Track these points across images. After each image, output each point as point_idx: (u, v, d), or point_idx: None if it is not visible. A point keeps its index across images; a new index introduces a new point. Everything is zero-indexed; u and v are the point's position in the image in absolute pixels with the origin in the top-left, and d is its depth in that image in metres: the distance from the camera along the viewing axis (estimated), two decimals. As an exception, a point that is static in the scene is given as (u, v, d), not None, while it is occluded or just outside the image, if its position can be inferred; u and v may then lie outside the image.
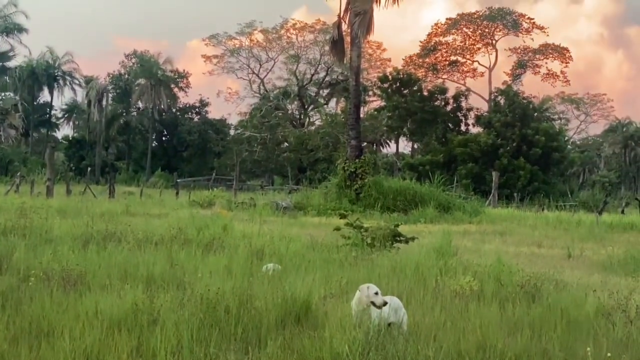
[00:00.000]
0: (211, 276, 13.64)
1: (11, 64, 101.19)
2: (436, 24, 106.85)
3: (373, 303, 10.52)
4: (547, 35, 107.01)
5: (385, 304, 10.50)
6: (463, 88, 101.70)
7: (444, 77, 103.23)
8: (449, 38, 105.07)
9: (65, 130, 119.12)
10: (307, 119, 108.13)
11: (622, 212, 62.42)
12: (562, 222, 40.41)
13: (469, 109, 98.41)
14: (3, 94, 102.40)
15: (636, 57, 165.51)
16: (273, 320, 10.67)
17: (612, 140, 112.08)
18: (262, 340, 9.51)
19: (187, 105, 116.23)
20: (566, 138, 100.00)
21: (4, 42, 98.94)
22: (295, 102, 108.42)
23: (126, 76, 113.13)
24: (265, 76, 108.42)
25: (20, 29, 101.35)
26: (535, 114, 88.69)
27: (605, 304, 12.80)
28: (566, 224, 39.51)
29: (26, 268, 13.82)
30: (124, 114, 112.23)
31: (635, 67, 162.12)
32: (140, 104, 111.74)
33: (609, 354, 7.53)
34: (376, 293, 10.67)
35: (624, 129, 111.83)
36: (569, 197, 76.49)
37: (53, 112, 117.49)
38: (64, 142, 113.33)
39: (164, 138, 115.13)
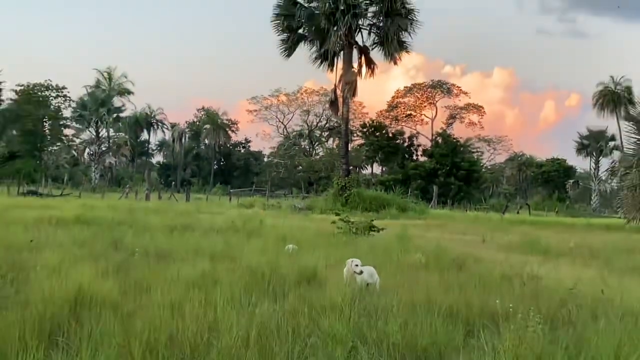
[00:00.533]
0: (252, 253, 13.62)
1: (123, 114, 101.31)
2: (397, 90, 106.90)
3: (355, 272, 10.58)
4: (469, 97, 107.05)
5: (360, 272, 10.53)
6: (415, 132, 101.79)
7: (402, 124, 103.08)
8: (406, 99, 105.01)
9: (157, 158, 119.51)
10: (314, 151, 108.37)
11: (518, 212, 62.42)
12: (479, 219, 40.38)
13: (419, 145, 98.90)
14: (117, 134, 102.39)
15: (525, 111, 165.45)
16: (292, 281, 10.64)
17: (511, 165, 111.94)
18: (285, 294, 9.48)
19: (237, 142, 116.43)
20: (481, 164, 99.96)
21: (119, 101, 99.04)
22: (307, 140, 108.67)
23: (197, 123, 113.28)
24: (287, 123, 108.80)
25: (129, 92, 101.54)
26: (462, 148, 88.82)
27: (507, 272, 12.76)
28: (481, 220, 39.48)
29: (132, 247, 13.79)
30: (196, 148, 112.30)
31: (525, 118, 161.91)
32: (206, 141, 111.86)
33: (511, 305, 7.50)
34: (357, 265, 10.69)
35: (519, 158, 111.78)
36: (483, 202, 76.38)
37: (150, 146, 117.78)
38: (157, 165, 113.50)
39: (221, 163, 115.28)
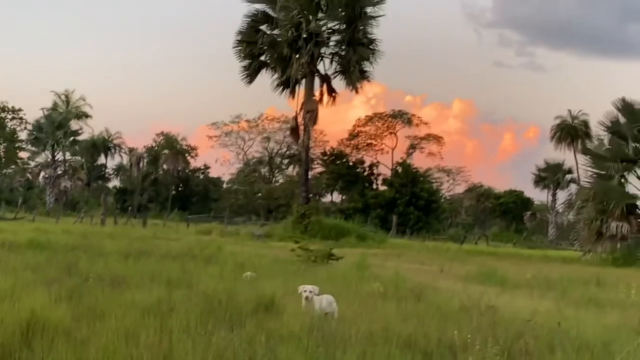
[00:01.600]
0: (209, 280, 13.52)
1: (80, 138, 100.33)
2: (358, 119, 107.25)
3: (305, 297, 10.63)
4: (430, 128, 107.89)
5: (306, 298, 10.56)
6: (375, 161, 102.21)
7: (363, 153, 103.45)
8: (367, 128, 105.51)
9: (114, 182, 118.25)
10: (274, 179, 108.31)
11: (476, 243, 62.91)
12: (437, 249, 40.60)
13: (379, 174, 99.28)
14: (74, 157, 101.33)
15: (485, 143, 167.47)
16: (250, 309, 10.57)
17: (470, 196, 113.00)
18: (242, 322, 9.40)
19: (196, 168, 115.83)
20: (440, 194, 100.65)
21: (76, 124, 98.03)
22: (267, 167, 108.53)
23: (156, 148, 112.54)
24: (248, 150, 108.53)
25: (87, 115, 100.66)
26: (421, 178, 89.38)
27: (465, 302, 12.82)
28: (440, 250, 39.70)
29: (87, 272, 13.60)
30: (154, 173, 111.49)
31: (484, 150, 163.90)
32: (165, 166, 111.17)
33: (468, 336, 7.53)
34: (307, 290, 10.71)
35: (477, 189, 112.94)
36: (442, 232, 76.89)
37: (107, 170, 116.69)
38: (113, 190, 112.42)
39: (180, 189, 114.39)
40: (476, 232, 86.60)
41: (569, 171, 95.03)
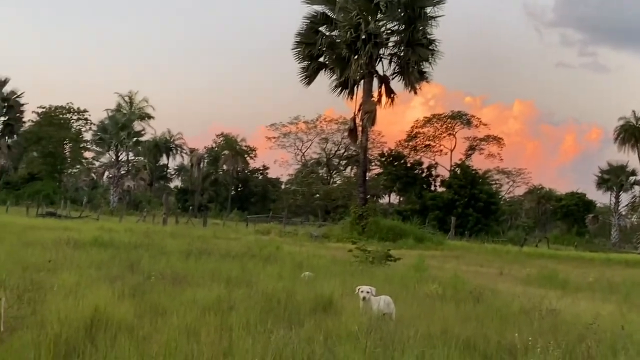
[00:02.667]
0: (268, 279, 13.59)
1: (143, 138, 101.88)
2: (417, 120, 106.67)
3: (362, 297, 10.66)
4: (489, 129, 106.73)
5: (364, 298, 10.61)
6: (433, 162, 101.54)
7: (421, 154, 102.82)
8: (425, 129, 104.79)
9: (176, 182, 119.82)
10: (332, 180, 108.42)
11: (536, 245, 61.94)
12: (497, 251, 40.10)
13: (437, 176, 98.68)
14: (137, 158, 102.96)
15: (545, 144, 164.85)
16: (308, 309, 10.60)
17: (530, 198, 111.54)
18: (301, 321, 9.43)
19: (255, 168, 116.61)
20: (500, 196, 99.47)
21: (139, 125, 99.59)
22: (324, 169, 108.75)
23: (216, 148, 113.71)
24: (306, 151, 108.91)
25: (149, 116, 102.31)
26: (480, 180, 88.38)
27: (525, 305, 12.65)
28: (499, 252, 39.21)
29: (149, 270, 13.80)
30: (214, 173, 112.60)
31: (545, 151, 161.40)
32: (224, 167, 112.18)
33: (529, 339, 7.41)
34: (364, 291, 10.70)
35: (538, 191, 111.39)
36: (501, 235, 75.93)
37: (168, 170, 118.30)
38: (174, 190, 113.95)
39: (239, 189, 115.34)
40: (537, 235, 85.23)
41: (633, 173, 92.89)
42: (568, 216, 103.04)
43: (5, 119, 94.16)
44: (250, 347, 6.96)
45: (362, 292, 10.72)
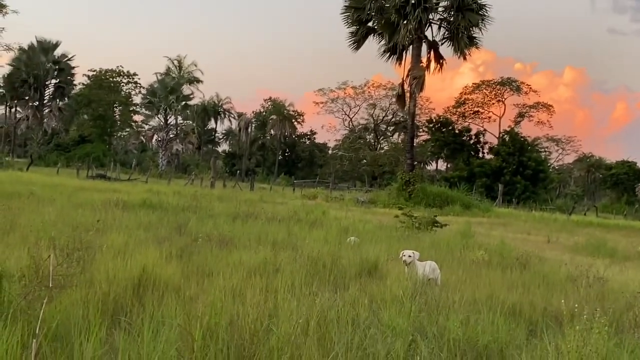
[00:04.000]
0: (314, 243, 13.63)
1: (191, 102, 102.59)
2: (465, 86, 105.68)
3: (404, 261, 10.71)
4: (539, 96, 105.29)
5: (406, 263, 10.66)
6: (482, 129, 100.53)
7: (469, 121, 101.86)
8: (474, 96, 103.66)
9: (223, 146, 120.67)
10: (379, 145, 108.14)
11: (585, 214, 61.15)
12: (544, 219, 39.69)
13: (485, 143, 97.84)
14: (185, 121, 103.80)
15: (596, 112, 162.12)
16: (353, 273, 10.64)
17: (579, 167, 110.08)
18: (346, 285, 9.46)
19: (302, 134, 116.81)
20: (549, 164, 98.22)
21: (187, 89, 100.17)
22: (372, 134, 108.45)
23: (264, 113, 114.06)
24: (353, 117, 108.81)
25: (198, 81, 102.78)
26: (529, 147, 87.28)
27: (572, 273, 12.52)
28: (547, 220, 38.81)
29: (196, 232, 13.95)
30: (261, 138, 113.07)
31: (596, 119, 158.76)
32: (272, 132, 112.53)
33: (576, 305, 7.32)
34: (408, 255, 10.70)
35: (588, 160, 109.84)
36: (549, 203, 75.05)
37: (216, 134, 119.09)
38: (222, 154, 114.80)
39: (286, 154, 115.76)
40: (585, 204, 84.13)
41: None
42: (618, 185, 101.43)
43: (57, 81, 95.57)
44: (295, 308, 6.99)
45: (404, 256, 10.72)
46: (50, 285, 6.30)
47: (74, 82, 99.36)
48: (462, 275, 11.45)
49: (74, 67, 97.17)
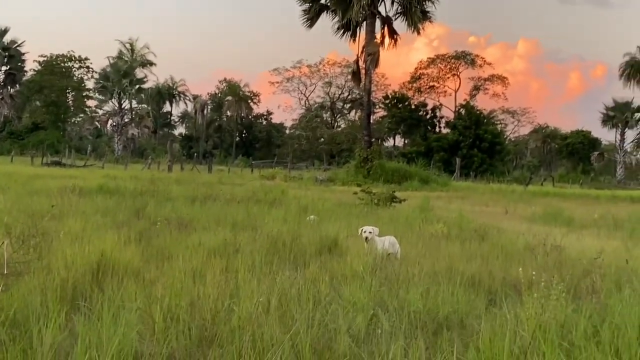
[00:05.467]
0: (273, 222, 13.64)
1: (145, 86, 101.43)
2: (420, 61, 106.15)
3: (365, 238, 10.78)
4: (494, 68, 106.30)
5: (366, 239, 10.72)
6: (438, 103, 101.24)
7: (425, 96, 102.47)
8: (429, 70, 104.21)
9: (180, 130, 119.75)
10: (336, 124, 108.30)
11: (541, 184, 62.06)
12: (502, 191, 40.15)
13: (441, 117, 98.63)
14: (140, 105, 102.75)
15: (551, 83, 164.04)
16: (313, 250, 10.67)
17: (535, 138, 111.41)
18: (306, 263, 9.49)
19: (258, 114, 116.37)
20: (505, 136, 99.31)
21: (141, 72, 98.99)
22: (329, 113, 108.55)
23: (219, 95, 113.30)
24: (309, 95, 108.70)
25: (151, 63, 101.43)
26: (485, 120, 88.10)
27: (530, 242, 12.70)
28: (504, 192, 39.27)
29: (154, 216, 13.85)
30: (218, 120, 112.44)
31: (550, 90, 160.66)
32: (228, 113, 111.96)
33: (533, 273, 7.44)
34: (367, 231, 10.77)
35: (543, 131, 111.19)
36: (506, 174, 75.97)
37: (172, 117, 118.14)
38: (179, 137, 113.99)
39: (243, 135, 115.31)
40: (542, 174, 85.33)
41: (639, 109, 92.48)
42: (573, 154, 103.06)
43: (7, 68, 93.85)
44: (256, 288, 7.01)
45: (364, 232, 10.79)
46: (5, 272, 6.22)
47: (25, 69, 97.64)
48: (421, 248, 11.56)
49: (24, 54, 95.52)
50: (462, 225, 15.56)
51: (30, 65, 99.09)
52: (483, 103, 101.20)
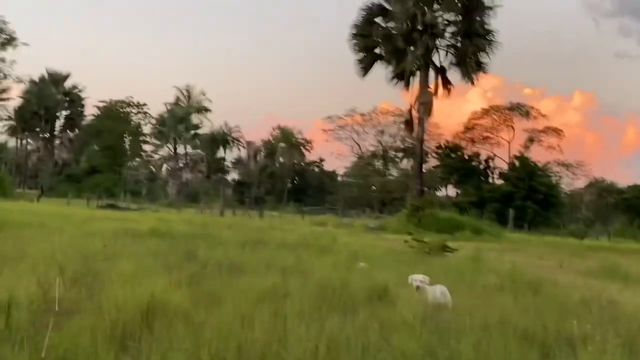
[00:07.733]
0: (323, 268, 13.56)
1: (201, 132, 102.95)
2: (474, 112, 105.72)
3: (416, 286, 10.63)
4: (548, 120, 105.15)
5: (417, 288, 10.56)
6: (491, 154, 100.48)
7: (478, 146, 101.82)
8: (483, 121, 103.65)
9: (232, 175, 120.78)
10: (388, 172, 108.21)
11: (597, 238, 60.91)
12: (556, 244, 39.47)
13: (495, 168, 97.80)
14: (195, 150, 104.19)
15: (606, 136, 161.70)
16: (363, 298, 10.55)
17: (591, 191, 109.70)
18: (355, 310, 9.38)
19: (311, 161, 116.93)
20: (560, 188, 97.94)
21: (196, 118, 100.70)
22: (381, 161, 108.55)
23: (273, 141, 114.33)
24: (362, 143, 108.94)
25: (207, 109, 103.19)
26: (539, 172, 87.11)
27: (585, 297, 12.40)
28: (559, 245, 38.59)
29: (205, 259, 13.89)
30: (271, 166, 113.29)
31: (606, 143, 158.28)
32: (281, 159, 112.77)
33: (588, 327, 7.24)
34: (418, 280, 10.63)
35: (599, 184, 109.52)
36: (561, 228, 74.73)
37: (225, 163, 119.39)
38: (232, 182, 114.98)
39: (295, 181, 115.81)
40: (597, 228, 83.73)
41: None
42: (630, 209, 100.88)
43: (67, 113, 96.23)
44: (304, 333, 6.94)
45: (414, 281, 10.65)
46: (57, 309, 6.27)
47: (84, 113, 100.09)
48: (473, 299, 11.35)
49: (84, 98, 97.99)
50: (515, 277, 15.25)
51: (90, 110, 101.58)
52: (537, 155, 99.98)
